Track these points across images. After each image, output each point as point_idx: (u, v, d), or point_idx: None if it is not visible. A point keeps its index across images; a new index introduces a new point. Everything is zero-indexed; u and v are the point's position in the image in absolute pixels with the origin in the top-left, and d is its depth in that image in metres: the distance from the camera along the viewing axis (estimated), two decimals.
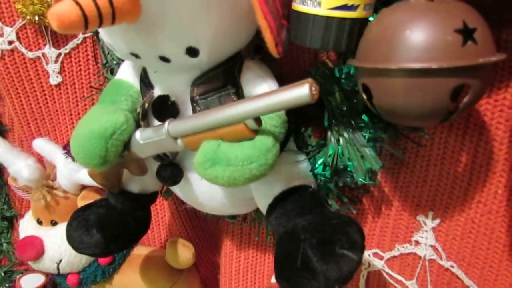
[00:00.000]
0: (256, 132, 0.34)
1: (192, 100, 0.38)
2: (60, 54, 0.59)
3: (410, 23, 0.27)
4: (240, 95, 0.38)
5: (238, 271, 0.62)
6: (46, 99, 0.63)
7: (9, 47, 0.59)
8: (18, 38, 0.58)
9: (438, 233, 0.46)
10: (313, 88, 0.29)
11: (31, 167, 0.61)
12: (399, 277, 0.50)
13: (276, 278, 0.36)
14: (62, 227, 0.63)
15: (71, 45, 0.59)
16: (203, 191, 0.44)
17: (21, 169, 0.60)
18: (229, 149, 0.34)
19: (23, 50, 0.59)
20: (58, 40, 0.59)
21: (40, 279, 0.70)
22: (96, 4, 0.28)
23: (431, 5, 0.27)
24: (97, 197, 0.63)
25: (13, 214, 0.80)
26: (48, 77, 0.61)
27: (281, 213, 0.39)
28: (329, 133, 0.44)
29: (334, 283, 0.32)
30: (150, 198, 0.52)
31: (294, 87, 0.29)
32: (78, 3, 0.27)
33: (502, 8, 0.33)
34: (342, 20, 0.30)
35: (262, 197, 0.42)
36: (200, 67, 0.37)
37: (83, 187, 0.64)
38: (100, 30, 0.37)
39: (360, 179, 0.42)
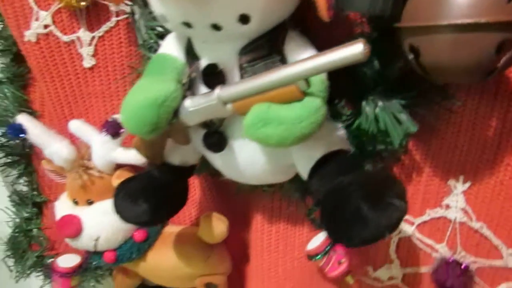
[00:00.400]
0: (304, 94, 0.37)
1: (241, 68, 0.41)
2: (93, 37, 0.62)
3: None
4: (284, 62, 0.41)
5: (270, 244, 0.65)
6: (79, 82, 0.65)
7: (44, 31, 0.61)
8: (54, 22, 0.61)
9: (468, 196, 0.49)
10: (366, 47, 0.31)
11: (69, 147, 0.63)
12: (429, 241, 0.53)
13: (326, 231, 0.39)
14: (99, 206, 0.66)
15: (104, 28, 0.61)
16: (245, 158, 0.46)
17: (59, 149, 0.63)
18: (280, 109, 0.37)
19: (58, 33, 0.61)
20: (92, 23, 0.61)
21: (76, 259, 0.72)
22: None
23: None
24: (131, 175, 0.65)
25: (43, 200, 0.83)
26: (82, 60, 0.63)
27: (324, 174, 0.42)
28: (363, 102, 0.47)
29: (384, 230, 0.35)
30: (189, 170, 0.55)
31: (348, 46, 0.32)
32: None
33: None
34: None
35: (304, 161, 0.44)
36: (248, 36, 0.40)
37: (117, 167, 0.66)
38: (154, 2, 0.40)
39: (396, 144, 0.44)
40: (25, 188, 0.85)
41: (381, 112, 0.45)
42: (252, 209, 0.66)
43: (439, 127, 0.47)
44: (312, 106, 0.36)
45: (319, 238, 0.56)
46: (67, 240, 0.68)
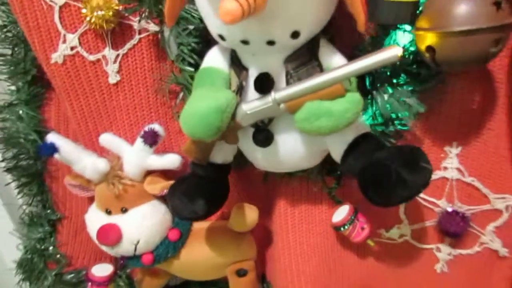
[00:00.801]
0: (346, 91, 0.48)
1: (287, 74, 0.50)
2: (118, 55, 0.68)
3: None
4: (320, 67, 0.51)
5: (294, 224, 0.75)
6: (104, 97, 0.70)
7: (71, 52, 0.66)
8: (80, 43, 0.66)
9: (461, 158, 0.63)
10: (401, 50, 0.43)
11: (104, 159, 0.69)
12: (431, 199, 0.67)
13: (369, 198, 0.50)
14: (135, 211, 0.72)
15: (128, 46, 0.67)
16: (287, 149, 0.56)
17: (95, 162, 0.68)
18: (329, 104, 0.47)
19: (85, 54, 0.66)
20: (116, 42, 0.67)
21: (109, 268, 0.78)
22: (248, 2, 0.39)
23: None
24: (161, 181, 0.72)
25: (58, 217, 0.86)
26: (107, 77, 0.69)
27: (358, 153, 0.53)
28: (374, 92, 0.59)
29: (420, 188, 0.47)
30: (228, 167, 0.64)
31: (386, 50, 0.43)
32: (239, 3, 0.38)
33: None
34: (407, 3, 0.45)
35: (337, 145, 0.55)
36: (293, 47, 0.49)
37: (147, 174, 0.73)
38: (213, 24, 0.48)
39: (409, 123, 0.57)
40: (35, 209, 0.87)
41: (390, 99, 0.58)
42: (274, 197, 0.76)
43: (434, 105, 0.60)
44: (355, 100, 0.47)
45: (343, 211, 0.68)
46: (106, 249, 0.73)
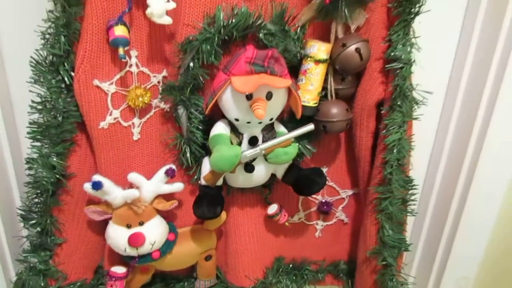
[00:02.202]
0: (292, 142, 1.06)
1: (263, 136, 1.05)
2: (141, 122, 1.09)
3: (335, 106, 1.07)
4: (275, 132, 1.09)
5: (243, 220, 1.25)
6: (126, 149, 1.09)
7: (113, 121, 1.04)
8: (121, 115, 1.04)
9: (327, 173, 1.29)
10: (314, 126, 1.04)
11: (135, 190, 1.07)
12: (314, 195, 1.31)
13: (303, 193, 1.10)
14: (149, 223, 1.10)
15: (147, 116, 1.09)
16: (258, 173, 1.09)
17: (130, 192, 1.05)
18: (286, 149, 1.03)
19: (122, 121, 1.05)
20: (141, 113, 1.08)
21: (123, 268, 1.13)
22: (264, 108, 0.94)
23: (337, 102, 1.09)
24: (164, 201, 1.15)
25: (62, 241, 1.15)
26: (132, 136, 1.08)
27: (292, 172, 1.12)
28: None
29: (324, 185, 1.10)
30: (222, 187, 1.13)
31: (307, 126, 1.03)
32: (262, 110, 0.93)
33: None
34: (315, 107, 1.08)
35: (281, 169, 1.12)
36: (266, 123, 1.05)
37: (156, 198, 1.13)
38: (234, 114, 0.99)
39: (309, 156, 1.19)
40: (34, 238, 1.13)
41: (299, 145, 1.19)
42: (230, 204, 1.26)
43: (318, 147, 1.25)
44: (296, 146, 1.06)
45: (274, 207, 1.24)
46: (131, 250, 1.09)
